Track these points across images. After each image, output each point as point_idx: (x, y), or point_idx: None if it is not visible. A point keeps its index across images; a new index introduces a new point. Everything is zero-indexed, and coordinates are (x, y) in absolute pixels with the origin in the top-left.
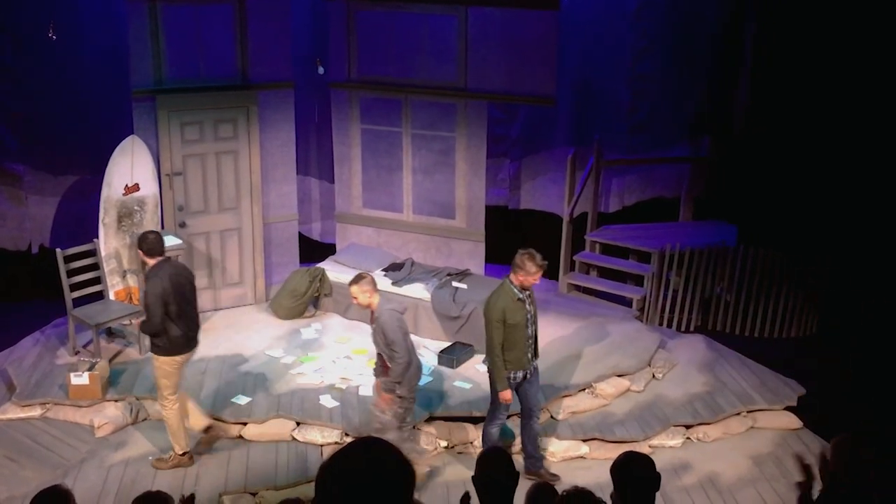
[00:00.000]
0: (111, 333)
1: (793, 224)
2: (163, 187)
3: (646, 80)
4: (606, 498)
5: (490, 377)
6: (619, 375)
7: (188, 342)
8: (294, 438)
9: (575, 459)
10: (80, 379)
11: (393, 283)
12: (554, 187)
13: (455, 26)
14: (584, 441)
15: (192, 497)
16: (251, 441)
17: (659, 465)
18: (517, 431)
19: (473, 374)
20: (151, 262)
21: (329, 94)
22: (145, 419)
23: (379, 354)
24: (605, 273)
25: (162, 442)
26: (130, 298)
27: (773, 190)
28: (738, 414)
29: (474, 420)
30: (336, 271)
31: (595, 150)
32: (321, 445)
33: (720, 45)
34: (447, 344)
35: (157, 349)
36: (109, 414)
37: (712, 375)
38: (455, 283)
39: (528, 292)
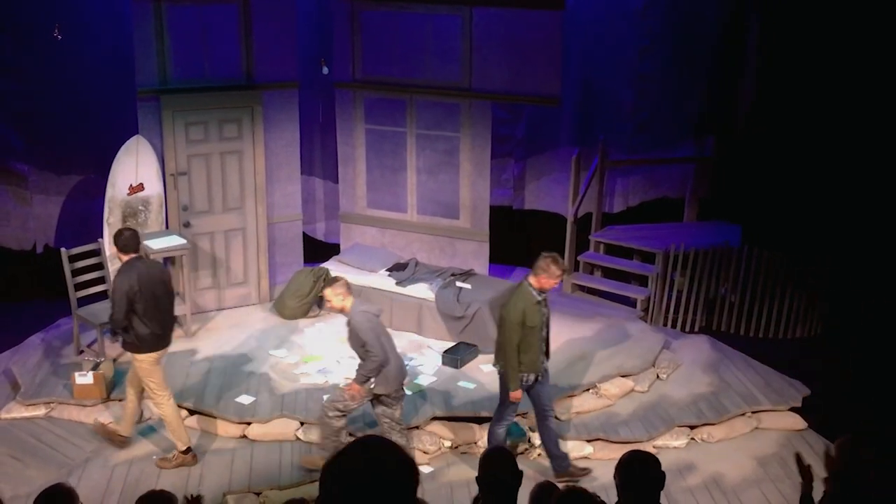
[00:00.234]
0: (115, 333)
1: (795, 224)
2: (167, 187)
3: (648, 81)
4: (611, 500)
5: (501, 378)
6: (623, 376)
7: (157, 340)
8: (298, 438)
9: (579, 460)
10: (84, 378)
11: (397, 283)
12: (558, 187)
13: (459, 26)
14: (589, 441)
15: (199, 498)
16: (255, 441)
17: (663, 466)
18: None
19: (477, 375)
20: (125, 258)
21: (333, 94)
22: (149, 419)
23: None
24: (609, 273)
25: (165, 442)
26: None
27: (776, 190)
28: (743, 415)
29: (478, 420)
30: (340, 271)
31: (600, 150)
32: None
33: (722, 44)
34: (451, 344)
35: (127, 345)
36: (113, 413)
37: (717, 376)
38: (459, 284)
39: (544, 296)
